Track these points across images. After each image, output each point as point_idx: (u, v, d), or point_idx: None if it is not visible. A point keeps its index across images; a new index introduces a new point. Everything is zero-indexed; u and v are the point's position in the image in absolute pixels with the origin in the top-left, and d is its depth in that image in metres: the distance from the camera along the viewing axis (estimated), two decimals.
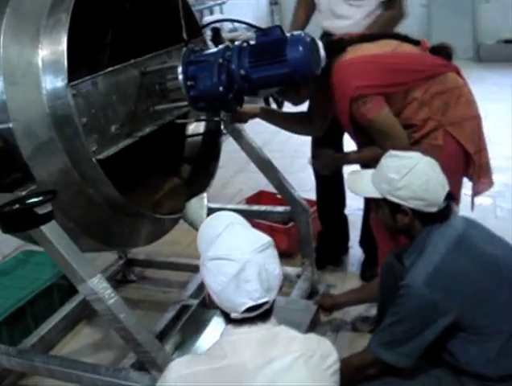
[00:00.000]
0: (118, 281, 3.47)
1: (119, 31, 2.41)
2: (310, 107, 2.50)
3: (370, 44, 2.28)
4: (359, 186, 1.97)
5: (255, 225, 3.42)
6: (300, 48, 1.85)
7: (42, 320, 2.95)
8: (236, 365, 1.41)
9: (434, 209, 1.82)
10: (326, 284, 3.14)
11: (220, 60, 1.94)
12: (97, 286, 1.79)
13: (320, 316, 2.68)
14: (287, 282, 3.07)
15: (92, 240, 2.05)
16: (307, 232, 2.92)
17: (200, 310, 2.80)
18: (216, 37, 2.67)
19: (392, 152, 1.92)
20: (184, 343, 2.64)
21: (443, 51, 2.33)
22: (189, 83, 1.98)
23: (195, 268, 3.24)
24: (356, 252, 3.40)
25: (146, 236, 2.27)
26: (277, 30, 1.97)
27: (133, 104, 2.02)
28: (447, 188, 1.84)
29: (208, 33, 2.79)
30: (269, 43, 1.93)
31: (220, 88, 1.93)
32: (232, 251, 1.44)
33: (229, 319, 1.48)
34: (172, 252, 3.68)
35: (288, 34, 1.93)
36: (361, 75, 2.17)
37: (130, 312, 1.85)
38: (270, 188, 4.09)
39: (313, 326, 2.63)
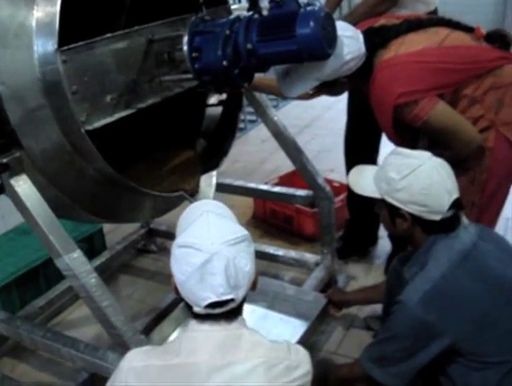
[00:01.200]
0: (139, 249, 3.43)
1: None
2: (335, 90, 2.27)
3: (416, 35, 2.01)
4: (359, 182, 1.80)
5: (283, 205, 3.39)
6: (311, 23, 1.68)
7: (55, 283, 2.94)
8: (188, 364, 1.31)
9: (437, 217, 1.63)
10: (347, 275, 2.99)
11: (227, 32, 1.80)
12: (73, 262, 1.72)
13: (331, 311, 2.53)
14: (305, 269, 2.95)
15: (85, 212, 1.98)
16: (329, 220, 2.76)
17: None
18: (254, 6, 2.49)
19: (398, 149, 1.74)
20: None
21: (500, 40, 2.06)
22: (194, 54, 1.84)
23: None
24: (385, 244, 3.21)
25: (147, 211, 2.18)
26: (292, 1, 1.80)
27: (135, 74, 1.90)
28: (454, 195, 1.64)
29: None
30: (279, 17, 1.77)
31: (224, 63, 1.79)
32: (201, 240, 1.32)
33: (192, 313, 1.38)
34: None
35: (302, 9, 1.75)
36: (405, 80, 1.93)
37: (107, 292, 1.78)
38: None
39: (321, 320, 2.50)
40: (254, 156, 4.78)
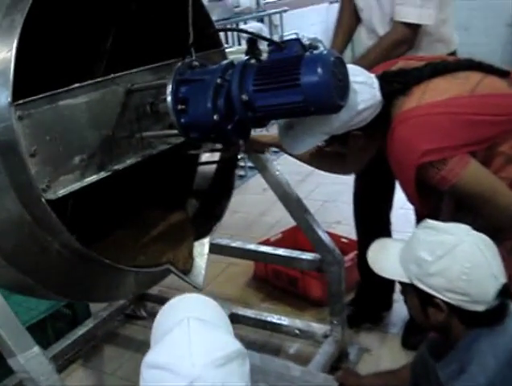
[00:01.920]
0: (127, 315, 3.09)
1: (123, 38, 2.02)
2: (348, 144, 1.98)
3: (443, 80, 1.72)
4: (381, 261, 1.49)
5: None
6: (319, 70, 1.39)
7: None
8: None
9: (480, 308, 1.31)
10: (359, 347, 2.64)
11: (219, 80, 1.51)
12: (30, 363, 1.39)
13: None
14: (312, 341, 2.61)
15: (52, 293, 1.67)
16: (339, 287, 2.43)
17: None
18: (252, 49, 2.22)
19: (430, 222, 1.43)
20: None
21: None
22: (180, 107, 1.56)
23: None
24: (401, 309, 2.86)
25: (128, 288, 1.87)
26: (295, 44, 1.52)
27: (111, 130, 1.62)
28: (501, 280, 1.32)
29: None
30: (280, 62, 1.48)
31: (215, 117, 1.50)
32: (178, 360, 1.01)
33: None
34: (191, 289, 3.26)
35: (308, 52, 1.47)
36: (430, 135, 1.63)
37: None
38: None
39: None
40: (255, 207, 4.47)
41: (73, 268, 1.63)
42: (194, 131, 1.58)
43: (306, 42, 1.61)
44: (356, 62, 2.13)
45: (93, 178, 1.56)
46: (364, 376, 2.14)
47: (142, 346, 2.81)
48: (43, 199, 1.41)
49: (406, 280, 1.38)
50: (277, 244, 3.36)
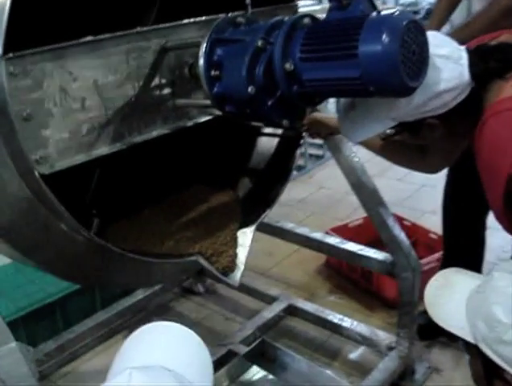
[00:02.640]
0: (184, 289, 2.90)
1: None
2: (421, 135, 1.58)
3: None
4: (443, 303, 1.13)
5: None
6: (383, 37, 1.03)
7: (74, 322, 2.49)
8: None
9: None
10: (428, 365, 2.28)
11: (260, 43, 1.19)
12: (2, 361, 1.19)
13: None
14: (374, 351, 2.28)
15: (56, 275, 1.47)
16: (411, 297, 2.07)
17: (242, 363, 2.12)
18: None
19: None
20: None
21: None
22: (213, 73, 1.26)
23: (270, 300, 2.57)
24: None
25: (151, 276, 1.63)
26: (362, 2, 1.16)
27: (133, 94, 1.35)
28: None
29: None
30: (337, 23, 1.13)
31: (249, 89, 1.19)
32: None
33: None
34: (257, 268, 3.03)
35: (374, 13, 1.11)
36: None
37: None
38: (402, 209, 3.27)
39: None
40: (343, 184, 4.08)
41: (81, 252, 1.40)
42: (229, 104, 1.29)
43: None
44: (453, 33, 1.72)
45: (104, 150, 1.31)
46: None
47: (194, 326, 2.61)
48: (36, 173, 1.19)
49: (470, 339, 1.02)
50: (354, 230, 3.02)
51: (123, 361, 0.91)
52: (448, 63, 1.22)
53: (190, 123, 1.48)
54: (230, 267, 1.64)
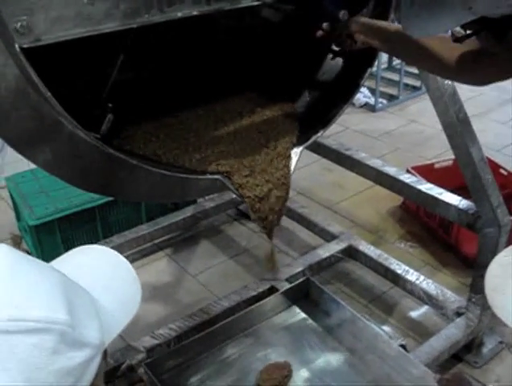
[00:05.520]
0: (239, 212, 2.65)
1: None
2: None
3: None
4: (508, 297, 0.79)
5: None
6: None
7: (115, 232, 2.33)
8: None
9: None
10: (500, 340, 1.93)
11: None
12: None
13: None
14: (440, 314, 1.95)
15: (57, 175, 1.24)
16: (491, 256, 1.68)
17: (280, 301, 1.86)
18: None
19: None
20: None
21: None
22: None
23: (330, 237, 2.28)
24: None
25: (171, 189, 1.37)
26: None
27: None
28: None
29: None
30: None
31: None
32: None
33: None
34: (324, 200, 2.73)
35: None
36: None
37: None
38: (500, 156, 2.84)
39: None
40: (423, 125, 3.62)
41: (85, 154, 1.16)
42: None
43: None
44: None
45: (110, 26, 1.02)
46: None
47: (240, 255, 2.39)
48: (16, 46, 0.93)
49: None
50: (440, 172, 2.63)
51: None
52: None
53: (228, 6, 1.16)
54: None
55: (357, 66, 1.47)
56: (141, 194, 1.34)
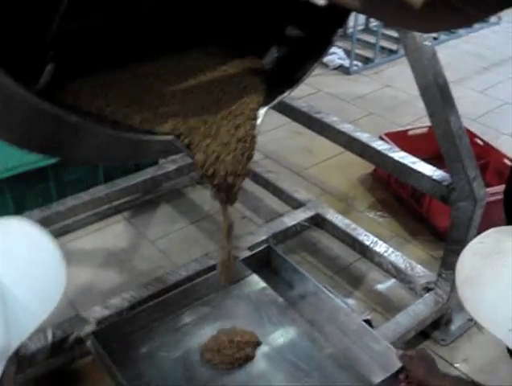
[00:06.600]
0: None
1: None
2: None
3: None
4: (481, 288, 0.73)
5: None
6: None
7: (70, 193, 2.18)
8: None
9: None
10: (469, 317, 1.86)
11: None
12: None
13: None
14: (407, 287, 1.88)
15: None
16: (463, 232, 1.63)
17: (240, 269, 1.76)
18: None
19: None
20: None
21: None
22: None
23: (296, 205, 2.18)
24: None
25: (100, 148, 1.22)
26: None
27: None
28: None
29: None
30: None
31: None
32: None
33: None
34: (292, 165, 2.62)
35: None
36: None
37: None
38: (476, 126, 2.77)
39: None
40: (415, 86, 3.50)
41: (14, 105, 1.01)
42: None
43: None
44: None
45: None
46: (443, 375, 1.39)
47: (203, 221, 2.27)
48: None
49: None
50: (414, 140, 2.53)
51: None
52: None
53: None
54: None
55: (331, 20, 1.34)
56: (88, 155, 1.21)
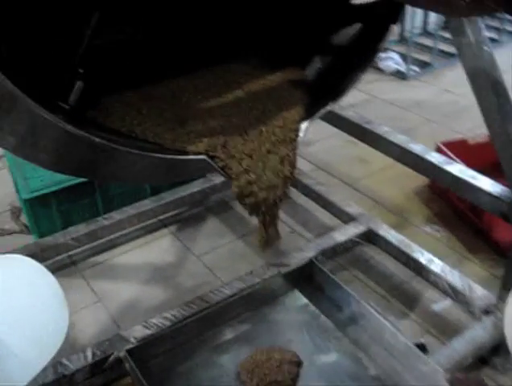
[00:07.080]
0: None
1: None
2: None
3: None
4: None
5: None
6: None
7: (117, 207, 2.17)
8: None
9: None
10: None
11: None
12: None
13: None
14: (464, 309, 1.76)
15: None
16: None
17: (281, 284, 1.70)
18: None
19: None
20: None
21: None
22: None
23: (347, 219, 2.09)
24: None
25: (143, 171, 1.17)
26: None
27: None
28: None
29: None
30: None
31: None
32: None
33: None
34: (345, 176, 2.53)
35: None
36: None
37: None
38: None
39: None
40: (456, 96, 3.34)
41: (41, 129, 0.98)
42: None
43: None
44: None
45: None
46: None
47: (250, 235, 2.20)
48: None
49: None
50: (475, 149, 2.39)
51: None
52: None
53: None
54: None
55: (378, 27, 1.25)
56: (119, 176, 1.17)
